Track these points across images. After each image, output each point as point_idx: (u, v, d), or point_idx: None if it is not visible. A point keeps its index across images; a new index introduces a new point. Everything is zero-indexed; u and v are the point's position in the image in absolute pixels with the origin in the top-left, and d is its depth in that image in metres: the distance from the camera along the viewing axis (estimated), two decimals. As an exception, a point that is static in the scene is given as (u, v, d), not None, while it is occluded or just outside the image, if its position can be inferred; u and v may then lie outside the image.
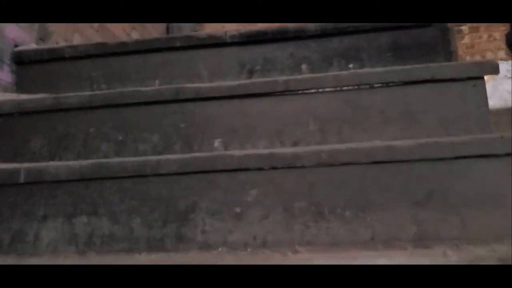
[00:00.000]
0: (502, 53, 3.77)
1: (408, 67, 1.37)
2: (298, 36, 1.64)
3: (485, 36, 3.76)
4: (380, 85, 1.38)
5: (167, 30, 3.88)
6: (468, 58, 3.70)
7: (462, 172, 1.11)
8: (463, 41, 3.78)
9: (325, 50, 1.63)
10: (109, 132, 1.46)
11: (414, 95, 1.36)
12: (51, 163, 1.34)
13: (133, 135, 1.45)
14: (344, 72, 1.41)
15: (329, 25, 1.62)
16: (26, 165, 1.29)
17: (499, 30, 3.77)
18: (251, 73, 1.66)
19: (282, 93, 1.42)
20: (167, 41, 1.69)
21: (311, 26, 1.63)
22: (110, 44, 1.72)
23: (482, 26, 3.80)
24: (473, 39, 3.72)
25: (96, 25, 2.46)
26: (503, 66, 3.56)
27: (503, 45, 3.77)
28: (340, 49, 1.62)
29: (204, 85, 1.46)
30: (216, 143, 1.42)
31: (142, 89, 1.47)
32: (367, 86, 1.39)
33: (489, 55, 3.75)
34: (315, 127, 1.38)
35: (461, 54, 3.73)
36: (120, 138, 1.45)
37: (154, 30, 3.52)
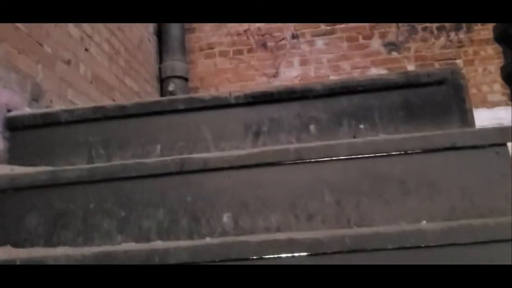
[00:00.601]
0: (497, 86, 3.76)
1: (428, 133, 1.31)
2: (305, 96, 1.58)
3: (480, 70, 3.75)
4: (398, 153, 1.31)
5: (160, 71, 3.83)
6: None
7: (496, 256, 1.03)
8: (459, 75, 3.76)
9: (333, 110, 1.56)
10: (111, 208, 1.37)
11: (434, 163, 1.29)
12: (50, 251, 1.24)
13: (137, 210, 1.36)
14: (359, 140, 1.34)
15: (337, 85, 1.56)
16: (22, 253, 1.19)
17: (493, 63, 3.77)
18: (257, 134, 1.58)
19: (294, 162, 1.35)
20: (169, 103, 1.62)
21: (318, 86, 1.57)
22: (109, 107, 1.64)
23: (477, 59, 3.79)
24: (468, 73, 3.70)
25: (89, 76, 2.39)
26: (508, 112, 3.54)
27: (498, 77, 3.77)
28: (349, 109, 1.56)
29: (211, 155, 1.38)
30: (225, 218, 1.34)
31: (145, 160, 1.39)
32: (384, 154, 1.32)
33: (485, 88, 3.74)
34: (331, 199, 1.31)
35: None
36: (123, 214, 1.36)
37: (147, 73, 3.46)
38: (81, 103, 2.25)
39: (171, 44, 3.78)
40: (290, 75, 4.00)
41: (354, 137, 1.53)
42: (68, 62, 2.16)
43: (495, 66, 3.76)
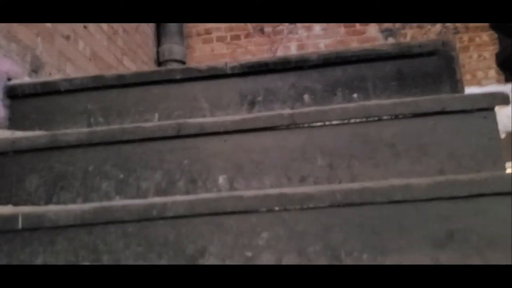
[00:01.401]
0: (492, 72, 3.81)
1: (418, 98, 1.35)
2: (300, 66, 1.61)
3: (475, 56, 3.79)
4: (389, 117, 1.35)
5: (158, 54, 3.85)
6: (460, 78, 3.72)
7: (482, 211, 1.08)
8: (454, 61, 3.80)
9: (328, 80, 1.60)
10: (110, 170, 1.40)
11: (424, 127, 1.33)
12: (50, 207, 1.28)
13: (135, 173, 1.39)
14: (352, 105, 1.38)
15: (331, 55, 1.60)
16: (24, 209, 1.23)
17: (488, 50, 3.81)
18: (252, 104, 1.62)
19: (287, 127, 1.38)
20: (167, 73, 1.65)
21: (313, 56, 1.60)
22: (107, 76, 1.67)
23: (472, 45, 3.83)
24: (464, 59, 3.74)
25: (88, 53, 2.42)
26: (501, 89, 3.57)
27: (493, 64, 3.80)
28: (343, 79, 1.59)
29: (207, 120, 1.41)
30: (221, 179, 1.37)
31: (144, 125, 1.43)
32: (376, 119, 1.35)
33: (480, 74, 3.78)
34: (323, 162, 1.35)
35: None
36: (121, 176, 1.39)
37: (144, 55, 3.49)
38: (80, 79, 2.28)
39: (169, 27, 3.81)
40: (287, 60, 4.03)
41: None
42: (67, 37, 2.18)
43: (490, 52, 3.79)
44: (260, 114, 1.42)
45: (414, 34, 3.89)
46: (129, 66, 3.08)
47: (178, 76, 1.64)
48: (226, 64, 1.63)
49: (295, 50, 4.05)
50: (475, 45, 3.80)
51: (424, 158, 1.31)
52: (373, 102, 1.40)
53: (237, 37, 4.12)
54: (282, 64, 1.62)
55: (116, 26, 2.88)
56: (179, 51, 3.84)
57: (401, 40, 3.91)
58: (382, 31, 3.96)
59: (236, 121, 1.40)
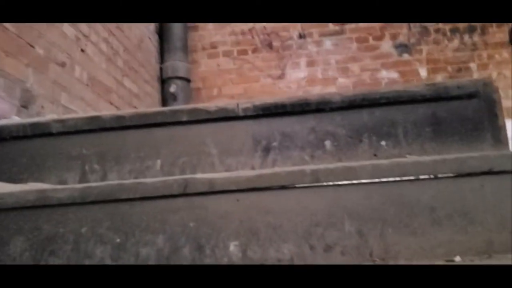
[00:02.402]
0: (512, 92, 3.62)
1: (461, 155, 1.17)
2: (321, 109, 1.43)
3: (494, 74, 3.61)
4: (428, 176, 1.17)
5: (161, 71, 3.68)
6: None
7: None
8: (472, 79, 3.62)
9: (352, 124, 1.42)
10: (105, 233, 1.22)
11: (469, 189, 1.15)
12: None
13: (134, 236, 1.21)
14: (384, 162, 1.20)
15: (357, 96, 1.42)
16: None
17: (508, 68, 3.62)
18: (267, 150, 1.44)
19: (310, 185, 1.21)
20: (172, 114, 1.47)
21: (336, 97, 1.42)
22: (105, 117, 1.49)
23: (491, 63, 3.64)
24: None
25: (85, 78, 2.24)
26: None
27: (514, 83, 3.62)
28: (370, 123, 1.41)
29: (217, 176, 1.24)
30: (232, 246, 1.19)
31: (145, 180, 1.25)
32: (412, 178, 1.17)
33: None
34: (351, 228, 1.16)
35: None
36: (118, 240, 1.22)
37: (147, 74, 3.32)
38: (76, 108, 2.11)
39: (173, 43, 3.63)
40: (297, 76, 3.86)
41: (375, 155, 1.39)
42: (63, 65, 2.01)
43: (510, 71, 3.60)
44: (278, 170, 1.24)
45: (430, 50, 3.70)
46: (130, 87, 2.91)
47: (184, 118, 1.47)
48: (238, 105, 1.46)
49: (305, 66, 3.87)
50: (494, 63, 3.61)
51: (470, 226, 1.13)
52: (409, 158, 1.22)
53: (244, 52, 3.93)
54: (300, 105, 1.44)
55: (117, 44, 2.71)
56: (183, 68, 3.67)
57: (417, 56, 3.73)
58: (396, 47, 3.78)
59: (251, 177, 1.22)
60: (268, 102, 1.45)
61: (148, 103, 3.27)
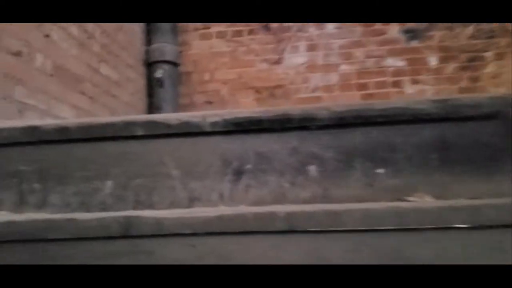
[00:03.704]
0: (534, 86, 3.30)
1: (476, 202, 0.91)
2: (305, 126, 1.17)
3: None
4: (433, 227, 0.92)
5: (146, 54, 3.40)
6: (492, 91, 3.23)
7: None
8: (486, 70, 3.31)
9: (342, 146, 1.16)
10: (29, 282, 0.99)
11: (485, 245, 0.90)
12: None
13: (63, 287, 0.98)
14: (377, 206, 0.95)
15: (349, 112, 1.16)
16: None
17: (528, 57, 3.30)
18: (239, 174, 1.19)
19: (283, 231, 0.96)
20: (124, 126, 1.22)
21: (323, 113, 1.16)
22: (45, 128, 1.25)
23: (509, 51, 3.32)
24: (498, 68, 3.24)
25: (49, 68, 1.98)
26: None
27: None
28: (364, 146, 1.16)
29: (167, 215, 1.00)
30: (185, 304, 0.96)
31: (77, 217, 1.01)
32: (413, 227, 0.93)
33: (518, 87, 3.28)
34: (332, 289, 0.92)
35: (484, 86, 3.26)
36: (45, 291, 0.98)
37: (130, 58, 3.05)
38: (36, 103, 1.86)
39: (160, 23, 3.33)
40: (295, 61, 3.56)
41: (370, 185, 1.13)
42: (17, 54, 1.75)
43: (530, 60, 3.29)
44: (243, 211, 1.00)
45: (442, 37, 3.38)
46: (108, 74, 2.65)
47: (140, 132, 1.22)
48: (204, 118, 1.20)
49: (305, 51, 3.57)
50: (512, 51, 3.29)
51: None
52: (411, 204, 0.96)
53: (239, 34, 3.63)
54: (280, 121, 1.18)
55: (92, 27, 2.44)
56: (171, 51, 3.38)
57: (427, 43, 3.41)
58: (405, 32, 3.46)
59: (209, 219, 0.98)
60: (241, 116, 1.19)
61: (131, 91, 3.01)
